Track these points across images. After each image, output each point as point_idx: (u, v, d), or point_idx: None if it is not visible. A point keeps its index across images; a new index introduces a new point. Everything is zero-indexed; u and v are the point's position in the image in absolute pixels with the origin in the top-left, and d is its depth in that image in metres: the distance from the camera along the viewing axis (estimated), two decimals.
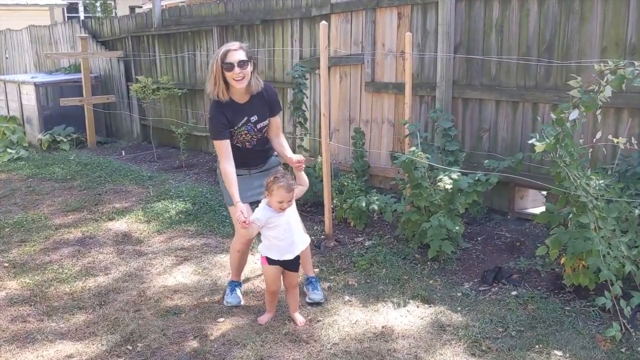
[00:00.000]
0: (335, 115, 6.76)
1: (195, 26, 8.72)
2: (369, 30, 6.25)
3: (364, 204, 4.69)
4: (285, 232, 3.70)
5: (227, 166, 3.78)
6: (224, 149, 3.82)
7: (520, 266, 4.45)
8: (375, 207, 4.71)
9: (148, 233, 5.73)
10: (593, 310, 3.77)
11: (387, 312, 3.95)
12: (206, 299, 4.23)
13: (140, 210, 6.38)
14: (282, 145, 3.99)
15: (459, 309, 3.94)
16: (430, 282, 4.36)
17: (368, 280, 4.44)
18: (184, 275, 4.70)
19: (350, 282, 4.42)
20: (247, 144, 3.95)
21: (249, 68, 3.74)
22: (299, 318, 3.85)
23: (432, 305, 4.02)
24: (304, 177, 3.81)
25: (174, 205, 6.46)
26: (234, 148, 3.88)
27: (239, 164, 3.87)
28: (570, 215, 3.80)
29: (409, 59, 5.42)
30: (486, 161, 4.97)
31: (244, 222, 3.55)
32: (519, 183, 5.20)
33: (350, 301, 4.12)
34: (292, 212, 3.76)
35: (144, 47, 9.97)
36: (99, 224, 6.00)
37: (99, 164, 8.60)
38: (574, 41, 4.74)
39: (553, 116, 3.72)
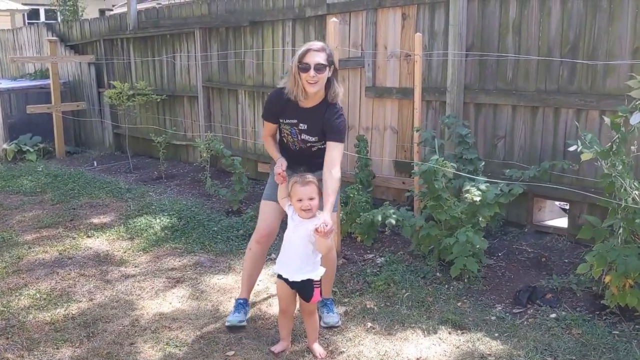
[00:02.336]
0: None
1: (175, 28, 8.20)
2: (370, 32, 5.86)
3: (380, 218, 4.27)
4: (285, 244, 3.34)
5: (268, 138, 3.72)
6: (267, 128, 3.70)
7: (552, 284, 4.09)
8: (393, 222, 4.29)
9: (132, 252, 5.19)
10: None
11: (418, 340, 3.52)
12: (210, 328, 3.74)
13: (121, 226, 5.82)
14: (326, 188, 3.31)
15: (496, 335, 3.54)
16: (458, 304, 3.95)
17: (388, 303, 4.01)
18: (180, 300, 4.19)
19: (368, 306, 3.98)
20: (290, 143, 3.63)
21: (326, 74, 3.36)
22: (319, 350, 3.40)
23: (465, 331, 3.61)
24: (321, 245, 3.17)
25: (157, 220, 5.93)
26: (282, 140, 3.67)
27: (286, 158, 3.60)
28: (621, 230, 3.45)
29: (418, 61, 5.05)
30: (507, 170, 4.62)
31: (280, 173, 3.38)
32: (538, 194, 4.86)
33: (373, 328, 3.68)
34: (305, 234, 3.21)
35: (118, 51, 9.40)
36: (77, 241, 5.43)
37: (71, 175, 7.98)
38: (601, 42, 4.43)
39: (607, 120, 3.36)
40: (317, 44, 3.38)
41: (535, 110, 4.83)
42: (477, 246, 4.12)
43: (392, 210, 4.33)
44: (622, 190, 3.30)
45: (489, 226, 4.77)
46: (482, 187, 3.98)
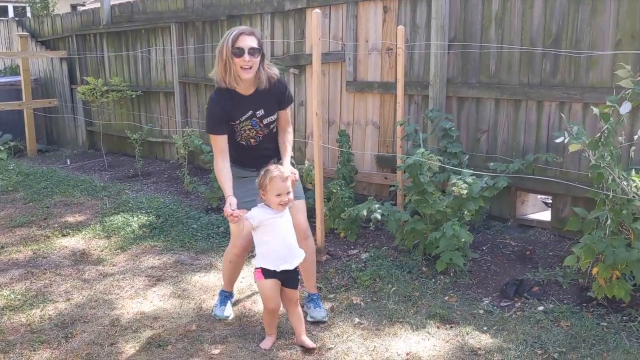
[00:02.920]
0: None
1: (150, 23, 8.04)
2: (350, 26, 5.80)
3: (365, 213, 4.20)
4: (284, 236, 3.26)
5: (220, 163, 3.39)
6: (219, 144, 3.40)
7: (539, 277, 4.07)
8: (379, 217, 4.23)
9: (110, 250, 5.05)
10: (633, 326, 3.41)
11: (407, 335, 3.47)
12: (194, 327, 3.63)
13: (97, 225, 5.67)
14: (284, 145, 3.51)
15: (485, 328, 3.51)
16: (445, 298, 3.91)
17: (374, 299, 3.95)
18: (162, 298, 4.07)
19: (354, 301, 3.92)
20: (251, 140, 3.49)
21: (258, 58, 3.28)
22: (308, 342, 3.33)
23: (454, 325, 3.56)
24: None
25: (135, 219, 5.78)
26: (238, 146, 3.47)
27: (245, 163, 3.48)
28: (609, 222, 3.44)
29: (401, 54, 5.01)
30: (491, 164, 4.61)
31: (232, 214, 3.09)
32: (521, 187, 4.85)
33: (361, 324, 3.62)
34: (289, 217, 3.32)
35: (91, 46, 9.18)
36: (52, 241, 5.27)
37: (43, 173, 7.77)
38: (584, 34, 4.43)
39: (595, 110, 3.34)
40: (247, 28, 3.31)
41: (518, 103, 4.82)
42: (463, 240, 4.09)
43: (377, 205, 4.27)
44: (611, 181, 3.28)
45: (473, 220, 4.73)
46: (469, 180, 3.95)
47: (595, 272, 3.58)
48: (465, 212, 4.24)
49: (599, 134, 3.32)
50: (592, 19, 4.38)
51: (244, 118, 3.40)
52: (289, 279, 3.30)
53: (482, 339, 3.38)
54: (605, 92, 4.31)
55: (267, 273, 3.26)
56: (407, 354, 3.26)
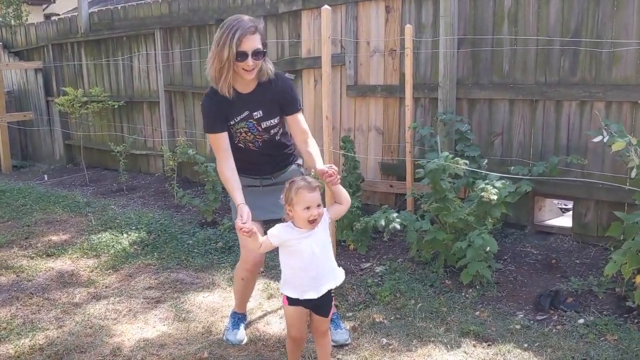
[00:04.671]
0: (310, 125, 5.93)
1: (132, 29, 7.66)
2: (350, 27, 5.52)
3: (383, 222, 3.90)
4: (309, 261, 2.77)
5: (225, 168, 2.99)
6: (219, 143, 3.02)
7: (571, 288, 3.81)
8: (397, 226, 3.92)
9: (100, 271, 4.65)
10: None
11: (442, 356, 3.16)
12: (206, 354, 3.26)
13: (84, 243, 5.26)
14: (310, 153, 3.03)
15: (525, 345, 3.22)
16: (476, 313, 3.61)
17: (399, 316, 3.64)
18: (165, 322, 3.70)
19: (377, 319, 3.60)
20: (250, 144, 3.12)
21: (263, 58, 2.93)
22: None
23: (491, 343, 3.26)
24: (342, 193, 2.84)
25: (125, 235, 5.40)
26: (236, 148, 3.09)
27: (246, 169, 3.10)
28: None
29: (409, 54, 4.76)
30: (512, 168, 4.34)
31: (243, 229, 2.67)
32: (539, 192, 4.60)
33: (390, 345, 3.30)
34: (321, 236, 2.81)
35: (68, 56, 8.75)
36: (36, 262, 4.85)
37: (20, 190, 7.31)
38: (605, 30, 4.21)
39: None
40: (248, 23, 2.84)
41: (535, 104, 4.58)
42: (488, 249, 3.81)
43: (395, 214, 3.97)
44: None
45: (493, 228, 4.47)
46: (498, 184, 3.67)
47: (639, 280, 3.32)
48: (489, 220, 3.97)
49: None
50: (614, 14, 4.16)
51: (239, 119, 3.03)
52: (318, 306, 2.85)
53: (525, 357, 3.09)
54: (630, 90, 4.12)
55: (291, 300, 2.86)
56: None
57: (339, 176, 2.76)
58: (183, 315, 3.78)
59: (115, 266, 4.72)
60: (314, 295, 2.80)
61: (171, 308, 3.91)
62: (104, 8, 8.42)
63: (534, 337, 3.29)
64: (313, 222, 2.70)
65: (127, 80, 8.00)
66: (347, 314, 3.70)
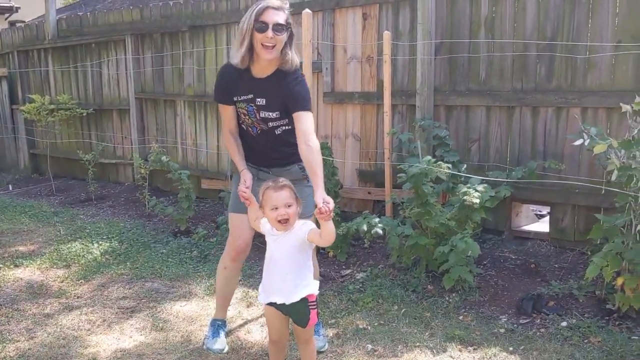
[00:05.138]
0: None
1: (102, 36, 7.50)
2: (327, 34, 5.51)
3: (365, 228, 3.86)
4: (267, 264, 2.74)
5: (227, 133, 3.09)
6: (224, 113, 3.09)
7: (552, 291, 3.82)
8: (380, 231, 3.88)
9: (71, 281, 4.49)
10: None
11: None
12: None
13: (53, 253, 5.08)
14: (310, 166, 2.76)
15: (511, 349, 3.20)
16: (460, 317, 3.59)
17: (382, 322, 3.60)
18: (142, 332, 3.58)
19: (360, 326, 3.55)
20: (249, 128, 3.05)
21: (284, 36, 2.85)
22: None
23: (477, 347, 3.24)
24: (328, 231, 2.56)
25: (95, 245, 5.24)
26: (240, 128, 3.11)
27: (246, 154, 3.04)
28: (639, 228, 3.22)
29: (388, 61, 4.76)
30: (490, 173, 4.36)
31: (243, 194, 2.71)
32: (517, 198, 4.63)
33: (375, 350, 3.24)
34: (288, 246, 2.68)
35: (34, 63, 8.53)
36: (3, 272, 4.66)
37: None
38: (581, 36, 4.28)
39: (629, 108, 3.12)
40: (277, 2, 2.85)
41: (511, 110, 4.62)
42: (469, 254, 3.80)
43: (376, 219, 3.93)
44: None
45: (472, 233, 4.48)
46: (480, 188, 3.67)
47: (620, 283, 3.35)
48: (470, 224, 3.97)
49: (633, 133, 3.10)
50: (589, 20, 4.23)
51: (242, 98, 2.98)
52: (293, 314, 2.75)
53: None
54: (606, 96, 4.18)
55: (270, 303, 2.78)
56: None
57: (332, 214, 2.56)
58: (160, 325, 3.67)
59: (87, 276, 4.57)
60: (282, 300, 2.71)
61: (147, 317, 3.79)
62: (72, 14, 8.23)
63: (518, 341, 3.28)
64: (284, 223, 2.62)
65: (96, 87, 7.83)
66: (330, 321, 3.64)
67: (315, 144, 2.80)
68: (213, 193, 6.68)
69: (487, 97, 4.69)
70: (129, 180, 7.69)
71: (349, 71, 5.45)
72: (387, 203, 4.73)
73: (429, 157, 3.75)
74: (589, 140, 3.24)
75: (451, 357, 3.16)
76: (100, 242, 5.31)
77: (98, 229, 5.72)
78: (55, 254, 5.07)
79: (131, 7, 7.25)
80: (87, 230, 5.71)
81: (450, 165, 3.82)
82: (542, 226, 4.81)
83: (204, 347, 3.31)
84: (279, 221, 2.62)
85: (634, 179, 3.07)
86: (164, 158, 5.52)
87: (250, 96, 2.97)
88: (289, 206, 2.62)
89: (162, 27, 6.84)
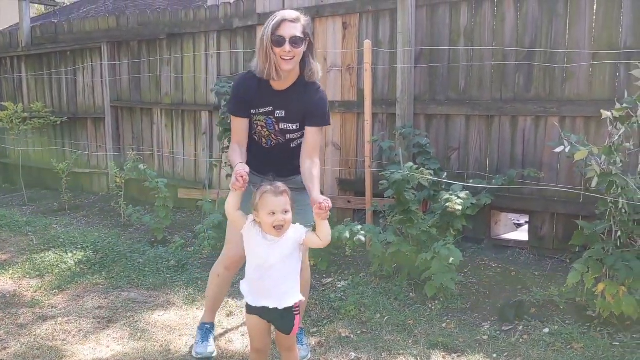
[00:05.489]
0: None
1: (77, 43, 7.40)
2: None
3: (348, 235, 3.83)
4: (259, 269, 2.65)
5: (235, 145, 3.00)
6: (237, 126, 3.01)
7: (533, 298, 3.83)
8: (362, 238, 3.86)
9: (45, 291, 4.37)
10: None
11: None
12: None
13: (25, 263, 4.94)
14: (311, 174, 2.88)
15: (494, 356, 3.20)
16: (443, 325, 3.58)
17: (365, 330, 3.56)
18: (119, 342, 3.49)
19: (343, 334, 3.51)
20: (263, 140, 3.02)
21: (302, 48, 2.84)
22: None
23: (460, 354, 3.23)
24: (325, 229, 2.61)
25: (70, 255, 5.11)
26: (250, 139, 3.04)
27: (251, 164, 2.90)
28: (619, 233, 3.25)
29: (368, 69, 4.76)
30: (471, 181, 4.38)
31: (240, 173, 2.61)
32: (496, 206, 4.66)
33: (359, 359, 3.21)
34: (285, 251, 2.64)
35: (7, 70, 8.37)
36: None
37: None
38: (559, 46, 4.34)
39: (609, 115, 3.16)
40: (293, 14, 2.85)
41: (490, 119, 4.66)
42: (451, 261, 3.79)
43: (359, 227, 3.91)
44: (622, 189, 3.10)
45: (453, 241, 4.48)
46: (462, 195, 3.68)
47: (601, 289, 3.37)
48: (451, 232, 3.98)
49: (612, 139, 3.14)
50: (567, 32, 4.30)
51: (261, 111, 2.96)
52: (276, 321, 2.71)
53: None
54: (584, 105, 4.24)
55: (249, 307, 2.73)
56: None
57: (329, 213, 2.59)
58: (138, 335, 3.58)
59: (61, 286, 4.45)
60: (250, 301, 2.70)
61: (125, 327, 3.69)
62: (47, 22, 8.11)
63: (502, 347, 3.28)
64: (279, 229, 2.58)
65: (70, 95, 7.71)
66: (312, 330, 3.60)
67: (318, 162, 2.95)
68: (190, 203, 6.60)
69: (467, 106, 4.72)
70: (104, 190, 7.56)
71: (329, 80, 5.45)
72: (368, 211, 4.71)
73: (411, 164, 3.75)
74: (569, 147, 3.27)
75: None
76: (75, 252, 5.18)
77: (72, 239, 5.58)
78: (28, 263, 4.93)
79: (107, 15, 7.15)
80: (61, 240, 5.56)
81: (432, 172, 3.82)
82: (521, 235, 4.85)
83: (193, 352, 3.25)
84: (275, 227, 2.57)
85: (614, 185, 3.10)
86: (141, 166, 5.43)
87: (270, 109, 2.95)
88: (285, 212, 2.58)
89: (140, 35, 6.78)
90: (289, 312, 2.68)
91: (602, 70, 4.17)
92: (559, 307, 3.72)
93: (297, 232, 2.64)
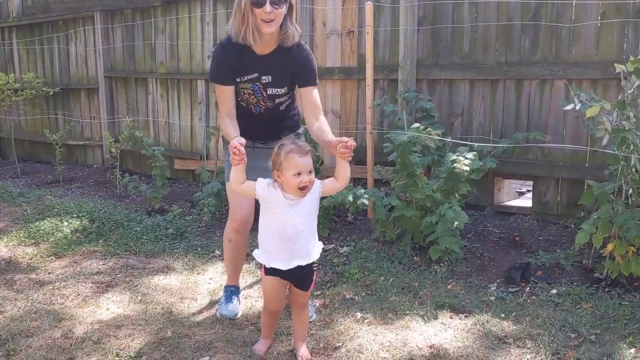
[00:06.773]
0: None
1: (69, 13, 7.23)
2: (306, 7, 5.38)
3: (351, 198, 3.75)
4: (286, 231, 2.56)
5: (225, 117, 2.88)
6: (224, 95, 2.89)
7: (540, 261, 3.78)
8: (366, 202, 3.78)
9: (41, 257, 4.29)
10: None
11: (420, 328, 3.04)
12: (169, 333, 3.02)
13: (20, 231, 4.86)
14: (321, 129, 2.81)
15: (503, 315, 3.14)
16: (449, 287, 3.52)
17: (369, 292, 3.50)
18: (119, 305, 3.41)
19: (347, 296, 3.45)
20: (251, 107, 2.95)
21: (283, 9, 2.74)
22: (304, 353, 2.75)
23: (468, 314, 3.18)
24: (346, 169, 2.57)
25: (65, 223, 5.01)
26: (238, 106, 2.92)
27: (241, 130, 2.82)
28: (630, 191, 3.19)
29: (370, 32, 4.65)
30: (476, 145, 4.30)
31: (237, 146, 2.46)
32: (499, 172, 4.59)
33: (365, 318, 3.15)
34: (308, 208, 2.58)
35: None
36: None
37: None
38: (565, 7, 4.25)
39: (623, 68, 3.07)
40: None
41: (495, 83, 4.57)
42: (456, 224, 3.72)
43: (362, 191, 3.83)
44: (634, 145, 3.03)
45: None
46: (470, 156, 3.61)
47: (610, 249, 3.32)
48: (456, 196, 3.91)
49: (626, 94, 3.06)
50: None
51: (246, 78, 2.87)
52: (297, 278, 2.67)
53: (504, 326, 3.01)
54: (591, 67, 4.16)
55: (268, 269, 2.65)
56: (430, 347, 2.83)
57: (352, 154, 2.53)
58: (139, 298, 3.51)
59: (57, 253, 4.37)
60: (280, 266, 2.62)
61: (124, 291, 3.62)
62: None
63: (510, 307, 3.23)
64: (303, 190, 2.49)
65: (63, 66, 7.55)
66: (315, 292, 3.53)
67: (323, 116, 2.89)
68: (186, 174, 6.51)
69: (471, 70, 4.63)
70: (98, 162, 7.45)
71: (329, 46, 5.34)
72: (369, 176, 4.63)
73: (418, 124, 3.66)
74: (579, 104, 3.19)
75: (443, 324, 3.08)
76: (70, 221, 5.09)
77: (67, 209, 5.48)
78: (23, 231, 4.84)
79: None
80: (56, 210, 5.47)
81: (439, 133, 3.74)
82: (525, 202, 4.79)
83: (217, 313, 3.22)
84: (300, 188, 2.47)
85: (627, 142, 3.04)
86: (137, 133, 5.32)
87: (255, 75, 2.86)
88: (310, 172, 2.49)
89: (133, 2, 6.62)
90: (309, 267, 2.68)
91: (610, 31, 4.08)
92: (566, 269, 3.67)
93: (314, 185, 2.57)
